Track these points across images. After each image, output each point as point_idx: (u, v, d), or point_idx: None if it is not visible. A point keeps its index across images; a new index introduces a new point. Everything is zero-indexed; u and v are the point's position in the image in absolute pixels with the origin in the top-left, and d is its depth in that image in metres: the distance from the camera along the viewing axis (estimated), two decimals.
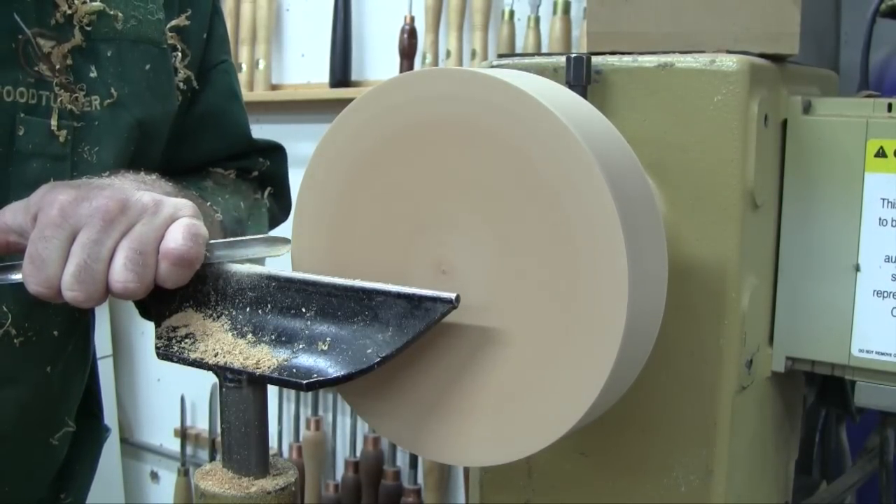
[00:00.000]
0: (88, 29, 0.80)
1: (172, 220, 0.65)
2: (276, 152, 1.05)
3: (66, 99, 0.78)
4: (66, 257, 0.63)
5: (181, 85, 0.89)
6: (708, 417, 0.71)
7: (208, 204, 0.88)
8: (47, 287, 0.63)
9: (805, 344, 0.75)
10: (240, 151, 1.01)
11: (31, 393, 0.83)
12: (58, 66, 0.78)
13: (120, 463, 2.82)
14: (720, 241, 0.69)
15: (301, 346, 0.60)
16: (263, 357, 0.60)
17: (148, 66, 0.84)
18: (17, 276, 0.66)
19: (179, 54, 0.89)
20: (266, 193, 1.02)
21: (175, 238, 0.63)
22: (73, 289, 0.63)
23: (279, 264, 0.68)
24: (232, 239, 0.68)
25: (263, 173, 1.02)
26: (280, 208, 1.05)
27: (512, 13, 2.03)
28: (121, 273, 0.63)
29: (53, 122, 0.77)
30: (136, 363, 2.89)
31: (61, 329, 0.83)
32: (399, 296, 0.57)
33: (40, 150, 0.77)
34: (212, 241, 0.66)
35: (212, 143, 0.97)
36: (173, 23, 0.88)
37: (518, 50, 2.04)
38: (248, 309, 0.63)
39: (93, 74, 0.80)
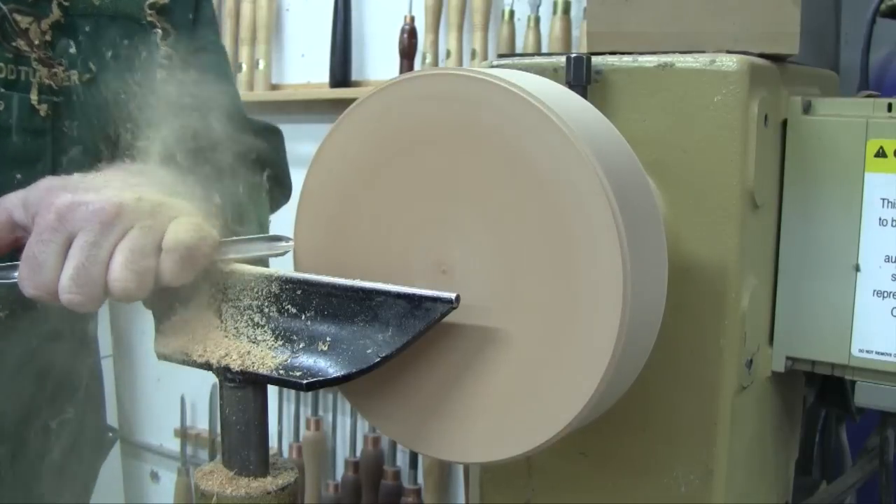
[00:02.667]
0: (66, 4, 0.80)
1: (171, 220, 0.64)
2: (273, 134, 1.04)
3: (45, 74, 0.78)
4: (63, 261, 0.62)
5: (164, 62, 0.89)
6: (708, 417, 0.71)
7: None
8: (44, 290, 0.63)
9: (805, 344, 0.75)
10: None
11: (21, 368, 0.82)
12: (36, 42, 0.78)
13: (120, 463, 2.82)
14: (720, 241, 0.69)
15: (301, 346, 0.60)
16: (263, 357, 0.60)
17: (126, 42, 0.84)
18: (17, 275, 0.66)
19: (160, 31, 0.89)
20: (265, 176, 1.01)
21: (176, 237, 0.63)
22: (71, 291, 0.62)
23: (280, 264, 0.68)
24: (233, 238, 0.68)
25: (261, 155, 1.02)
26: (280, 191, 1.05)
27: (512, 13, 2.03)
28: (120, 274, 0.62)
29: (34, 97, 0.78)
30: (136, 363, 2.89)
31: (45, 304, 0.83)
32: (399, 296, 0.57)
33: (21, 125, 0.77)
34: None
35: None
36: (151, 0, 0.88)
37: (518, 50, 2.04)
38: (248, 309, 0.63)
39: (71, 50, 0.81)
